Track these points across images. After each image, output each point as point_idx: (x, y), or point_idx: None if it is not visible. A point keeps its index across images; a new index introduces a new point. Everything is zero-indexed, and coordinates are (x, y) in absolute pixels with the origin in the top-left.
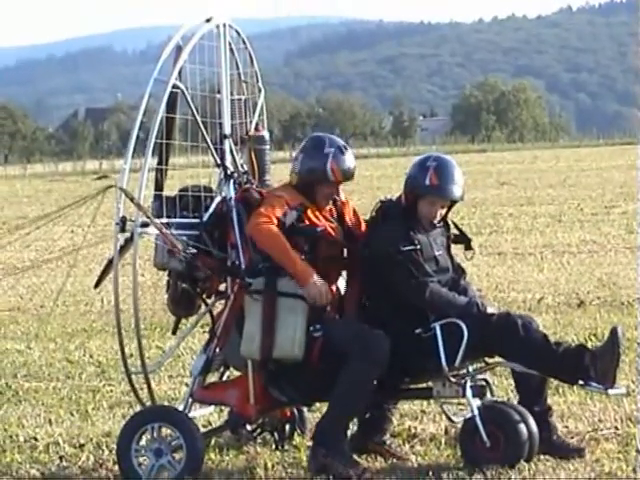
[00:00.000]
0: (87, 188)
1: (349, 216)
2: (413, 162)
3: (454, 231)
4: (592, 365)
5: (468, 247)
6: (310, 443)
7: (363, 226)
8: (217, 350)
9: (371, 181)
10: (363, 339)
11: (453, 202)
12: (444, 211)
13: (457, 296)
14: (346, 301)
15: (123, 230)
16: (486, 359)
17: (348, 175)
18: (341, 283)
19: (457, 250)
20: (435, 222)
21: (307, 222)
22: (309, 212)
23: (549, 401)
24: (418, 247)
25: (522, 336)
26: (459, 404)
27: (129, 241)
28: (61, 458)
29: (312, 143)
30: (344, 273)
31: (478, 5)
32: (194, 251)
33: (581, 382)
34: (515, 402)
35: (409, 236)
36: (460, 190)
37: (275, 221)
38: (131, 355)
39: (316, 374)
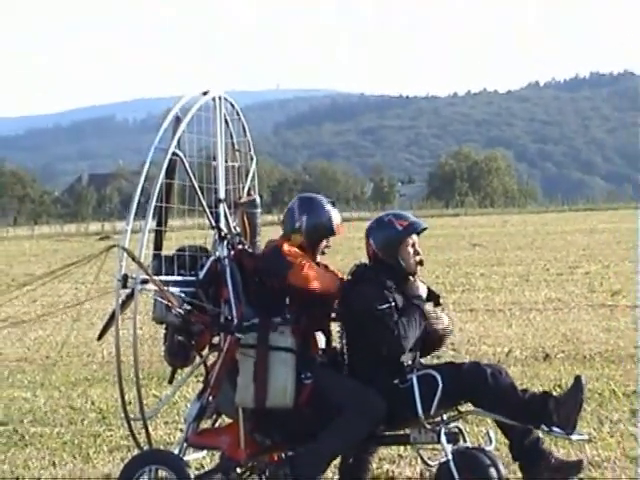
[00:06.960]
0: (90, 248)
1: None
2: (371, 229)
3: None
4: (555, 410)
5: (437, 303)
6: None
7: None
8: (210, 398)
9: (352, 242)
10: (361, 396)
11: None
12: (422, 256)
13: None
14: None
15: (124, 286)
16: (459, 408)
17: (341, 227)
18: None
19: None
20: (417, 271)
21: None
22: None
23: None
24: (393, 304)
25: (490, 383)
26: (434, 449)
27: (130, 297)
28: None
29: (312, 203)
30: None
31: (453, 80)
32: (189, 308)
33: (544, 427)
34: (486, 447)
35: (384, 295)
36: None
37: (315, 266)
38: (130, 403)
39: (302, 418)
